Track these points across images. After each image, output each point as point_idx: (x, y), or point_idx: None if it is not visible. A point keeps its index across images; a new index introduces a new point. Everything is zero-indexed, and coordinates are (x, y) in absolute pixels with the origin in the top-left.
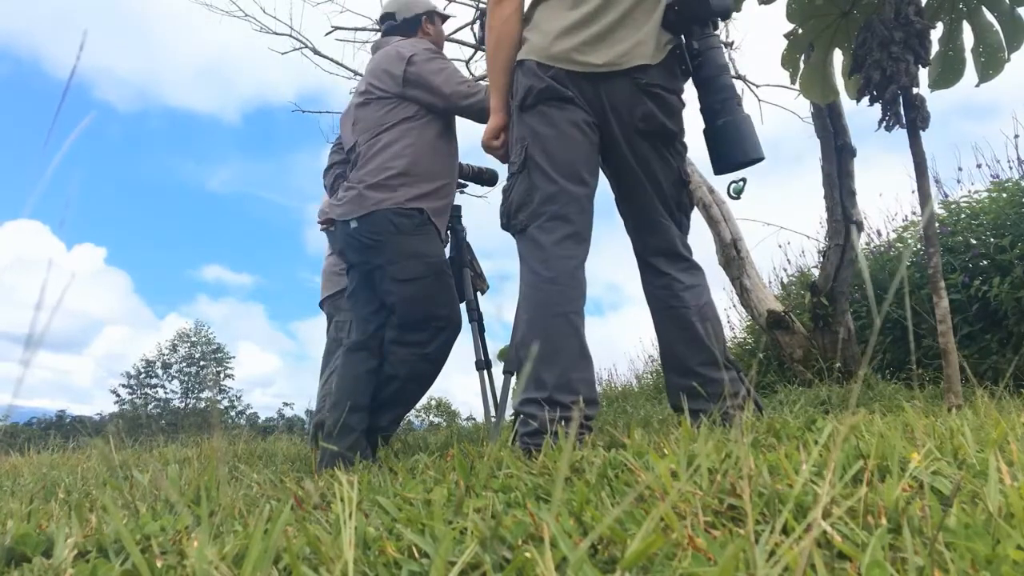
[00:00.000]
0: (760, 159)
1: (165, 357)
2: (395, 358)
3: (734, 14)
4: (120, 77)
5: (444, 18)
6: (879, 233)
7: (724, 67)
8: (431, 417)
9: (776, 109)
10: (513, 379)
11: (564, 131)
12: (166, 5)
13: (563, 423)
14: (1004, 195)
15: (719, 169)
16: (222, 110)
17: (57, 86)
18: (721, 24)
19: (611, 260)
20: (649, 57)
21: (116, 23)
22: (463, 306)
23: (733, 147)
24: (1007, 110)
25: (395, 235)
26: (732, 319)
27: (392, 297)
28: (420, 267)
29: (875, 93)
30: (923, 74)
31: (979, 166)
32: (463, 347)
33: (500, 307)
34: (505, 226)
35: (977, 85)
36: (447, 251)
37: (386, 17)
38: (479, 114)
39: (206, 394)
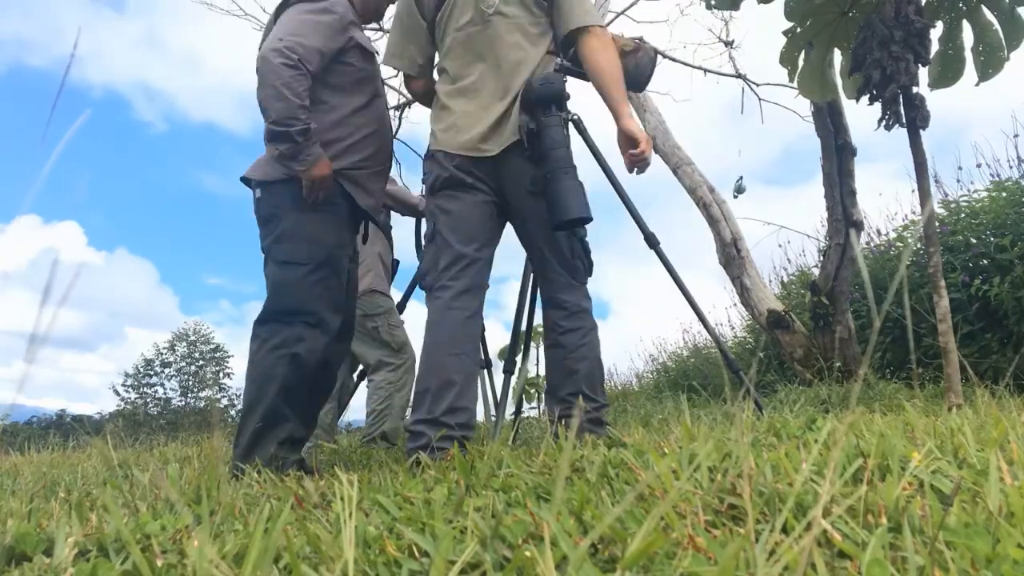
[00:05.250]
0: (577, 218)
1: (164, 356)
2: (250, 353)
3: (733, 13)
4: (156, 93)
5: None
6: (879, 232)
7: (559, 142)
8: None
9: (777, 108)
10: (512, 379)
11: (465, 205)
12: (211, 27)
13: (455, 441)
14: (1004, 194)
15: (553, 226)
16: (248, 126)
17: (87, 100)
18: (723, 23)
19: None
20: (517, 135)
21: (162, 46)
22: None
23: (555, 210)
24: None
25: (292, 211)
26: (732, 318)
27: (267, 280)
28: (304, 252)
29: (875, 92)
30: (923, 73)
31: (979, 165)
32: None
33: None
34: (419, 287)
35: (977, 84)
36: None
37: None
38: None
39: (205, 393)
